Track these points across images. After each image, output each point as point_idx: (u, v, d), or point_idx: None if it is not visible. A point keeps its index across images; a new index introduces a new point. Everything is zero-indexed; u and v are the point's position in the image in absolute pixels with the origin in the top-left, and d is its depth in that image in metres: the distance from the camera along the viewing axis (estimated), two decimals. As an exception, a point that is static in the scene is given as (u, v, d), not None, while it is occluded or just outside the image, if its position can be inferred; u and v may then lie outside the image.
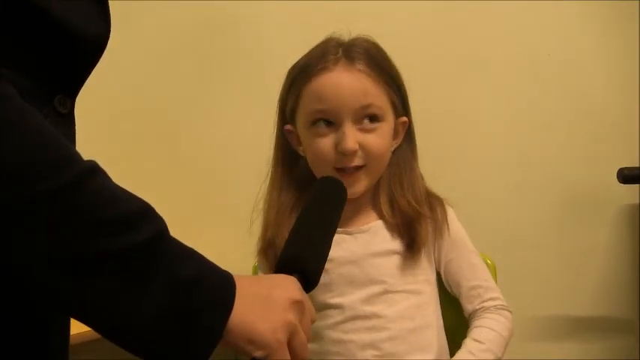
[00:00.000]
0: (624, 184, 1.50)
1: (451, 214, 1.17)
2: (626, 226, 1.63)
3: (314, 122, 1.09)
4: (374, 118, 1.09)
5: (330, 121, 1.08)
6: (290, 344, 0.64)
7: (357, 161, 1.08)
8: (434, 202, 1.15)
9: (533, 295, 1.62)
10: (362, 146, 1.08)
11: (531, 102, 1.62)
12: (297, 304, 0.65)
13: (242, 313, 0.60)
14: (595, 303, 1.64)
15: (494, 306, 1.13)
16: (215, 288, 0.60)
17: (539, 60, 1.61)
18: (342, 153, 1.07)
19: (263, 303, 0.63)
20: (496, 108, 1.62)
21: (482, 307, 1.13)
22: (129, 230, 0.55)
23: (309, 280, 0.72)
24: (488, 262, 1.26)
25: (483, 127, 1.62)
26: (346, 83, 1.07)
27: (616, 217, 1.63)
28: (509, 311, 1.14)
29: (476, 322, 1.12)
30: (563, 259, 1.63)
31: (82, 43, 0.62)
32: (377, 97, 1.09)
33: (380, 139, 1.09)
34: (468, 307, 1.14)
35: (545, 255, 1.62)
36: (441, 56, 1.59)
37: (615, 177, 1.49)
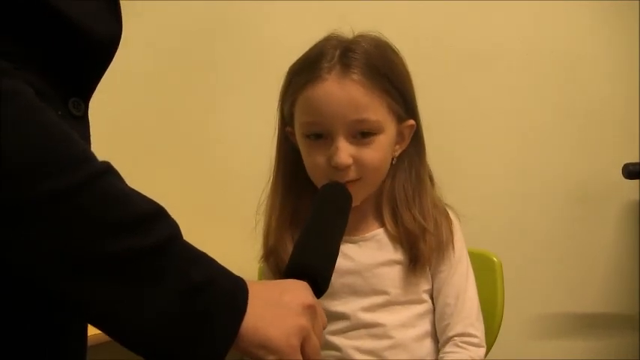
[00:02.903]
0: (629, 179, 1.50)
1: (457, 231, 1.12)
2: (631, 223, 1.63)
3: (307, 134, 1.06)
4: (369, 132, 1.03)
5: (322, 134, 1.04)
6: (303, 349, 0.63)
7: (352, 175, 1.03)
8: (440, 217, 1.10)
9: (537, 292, 1.62)
10: (356, 160, 1.03)
11: (534, 99, 1.62)
12: (310, 309, 0.65)
13: (255, 318, 0.59)
14: (600, 300, 1.64)
15: (462, 341, 1.08)
16: (227, 292, 0.59)
17: (541, 58, 1.61)
18: (334, 168, 1.02)
19: (275, 308, 0.62)
20: (499, 105, 1.61)
21: (449, 339, 1.09)
22: (138, 232, 0.54)
23: (320, 285, 0.71)
24: (494, 259, 1.25)
25: (487, 123, 1.62)
26: (338, 96, 1.02)
27: (620, 214, 1.63)
28: (479, 346, 1.09)
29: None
30: (568, 255, 1.63)
31: (94, 43, 0.62)
32: (372, 109, 1.03)
33: (376, 152, 1.04)
34: (439, 326, 1.11)
35: (550, 252, 1.62)
36: (442, 54, 1.59)
37: (619, 173, 1.49)
